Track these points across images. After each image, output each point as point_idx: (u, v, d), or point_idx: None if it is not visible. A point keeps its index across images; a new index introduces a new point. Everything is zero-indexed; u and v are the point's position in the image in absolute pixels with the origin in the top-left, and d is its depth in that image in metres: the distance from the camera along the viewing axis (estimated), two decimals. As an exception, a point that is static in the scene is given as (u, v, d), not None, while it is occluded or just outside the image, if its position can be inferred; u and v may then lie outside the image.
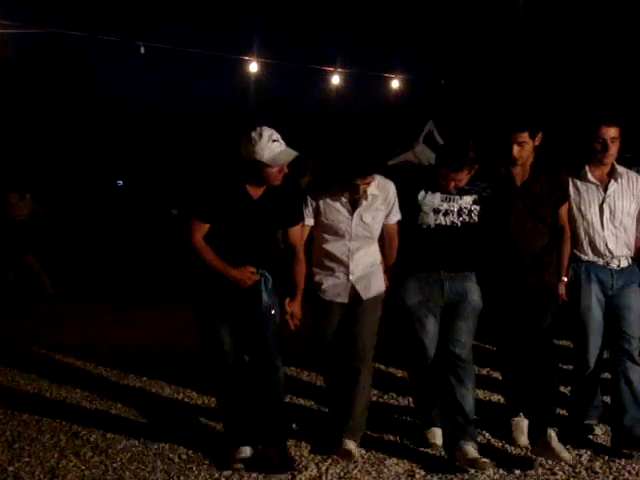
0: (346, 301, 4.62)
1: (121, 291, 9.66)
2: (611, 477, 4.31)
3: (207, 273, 4.37)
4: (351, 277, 4.59)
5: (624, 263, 4.76)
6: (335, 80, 13.05)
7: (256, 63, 12.02)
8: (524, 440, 4.67)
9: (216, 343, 4.47)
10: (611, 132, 4.62)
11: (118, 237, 13.03)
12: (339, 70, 13.21)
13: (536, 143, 4.59)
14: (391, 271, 4.74)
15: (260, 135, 4.23)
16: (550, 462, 4.47)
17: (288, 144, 4.34)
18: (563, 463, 4.44)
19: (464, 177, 4.45)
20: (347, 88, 13.74)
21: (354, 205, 4.52)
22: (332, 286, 4.61)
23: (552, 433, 4.56)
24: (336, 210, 4.53)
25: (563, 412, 4.97)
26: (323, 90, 13.95)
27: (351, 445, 4.55)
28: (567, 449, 4.53)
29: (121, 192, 14.52)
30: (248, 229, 4.36)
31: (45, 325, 7.82)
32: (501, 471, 4.38)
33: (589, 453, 4.59)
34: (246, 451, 4.46)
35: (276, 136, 4.27)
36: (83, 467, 4.49)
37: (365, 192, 4.48)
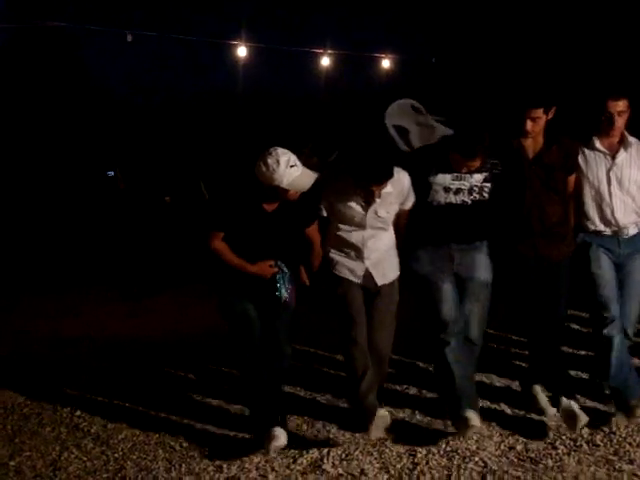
0: (359, 282, 4.58)
1: (118, 282, 9.64)
2: (612, 449, 4.32)
3: (227, 270, 4.45)
4: (366, 262, 4.58)
5: (633, 231, 4.75)
6: (325, 62, 13.00)
7: (245, 47, 11.96)
8: (552, 410, 4.67)
9: (247, 327, 4.48)
10: (618, 106, 4.59)
11: (113, 226, 12.98)
12: (329, 52, 13.15)
13: (549, 117, 4.57)
14: (401, 245, 4.72)
15: (278, 162, 4.19)
16: (551, 435, 4.49)
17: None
18: (564, 437, 4.46)
19: (477, 163, 4.44)
20: (337, 70, 13.69)
21: (368, 201, 4.49)
22: (346, 265, 4.59)
23: (538, 389, 4.73)
24: (350, 207, 4.51)
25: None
26: (313, 72, 13.87)
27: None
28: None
29: (113, 182, 14.45)
30: (264, 237, 4.42)
31: (43, 317, 7.80)
32: (502, 447, 4.40)
33: (590, 426, 4.59)
34: (279, 431, 4.39)
35: (293, 160, 4.25)
36: (85, 458, 4.49)
37: (380, 193, 4.45)
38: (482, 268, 4.65)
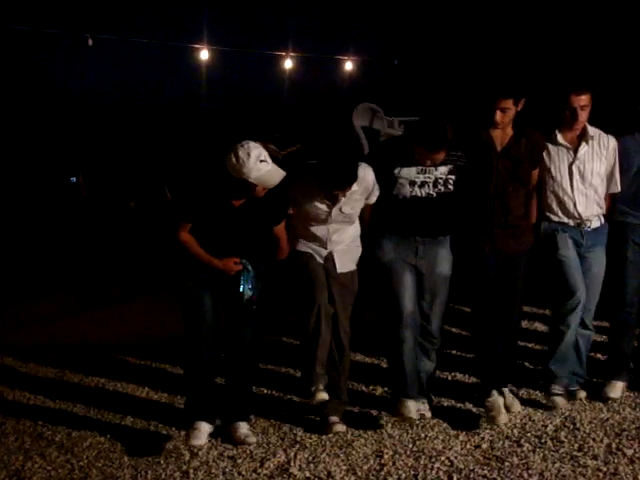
0: (320, 261, 4.63)
1: (82, 289, 9.54)
2: (576, 445, 4.36)
3: (192, 260, 4.48)
4: (329, 248, 4.65)
5: (595, 224, 4.83)
6: (288, 64, 13.00)
7: (207, 51, 11.92)
8: (504, 418, 4.66)
9: (198, 312, 4.51)
10: (581, 100, 4.65)
11: (77, 233, 12.85)
12: (291, 54, 13.16)
13: (518, 109, 4.60)
14: (365, 234, 4.78)
15: (248, 155, 4.20)
16: (516, 433, 4.53)
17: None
18: (529, 434, 4.51)
19: (441, 156, 4.46)
20: (300, 72, 13.70)
21: (332, 201, 4.53)
22: (310, 246, 4.65)
23: (506, 391, 4.77)
24: (315, 206, 4.57)
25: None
26: (277, 74, 13.87)
27: (338, 425, 4.64)
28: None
29: (76, 188, 14.28)
30: (230, 232, 4.44)
31: (4, 325, 7.69)
32: (468, 446, 4.42)
33: (554, 423, 4.65)
34: (203, 426, 4.53)
35: (264, 156, 4.26)
36: (49, 467, 4.43)
37: (345, 194, 4.49)
38: (443, 262, 4.71)
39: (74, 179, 14.66)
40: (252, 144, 4.29)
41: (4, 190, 12.97)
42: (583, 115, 4.68)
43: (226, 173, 4.29)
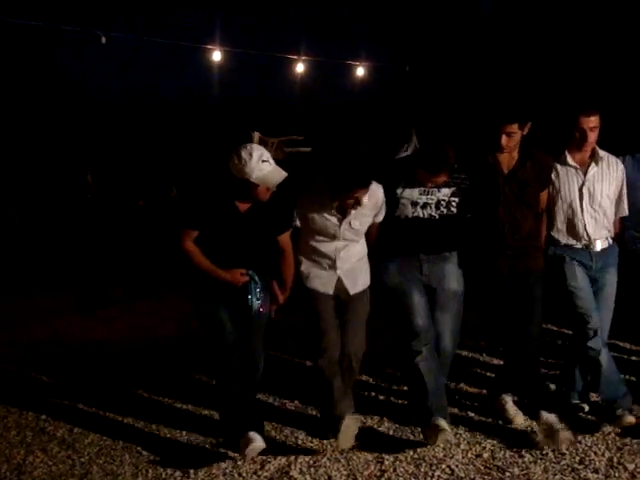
0: (331, 292, 4.59)
1: (87, 287, 9.55)
2: (577, 458, 4.35)
3: (200, 275, 4.44)
4: (338, 271, 4.59)
5: (604, 245, 4.81)
6: (299, 68, 13.00)
7: (219, 52, 11.93)
8: (520, 419, 4.76)
9: (218, 326, 4.44)
10: (590, 122, 4.65)
11: (85, 230, 12.85)
12: (303, 58, 13.17)
13: (524, 132, 4.61)
14: (372, 255, 4.76)
15: (250, 155, 4.22)
16: (518, 444, 4.52)
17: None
18: (531, 446, 4.49)
19: (442, 178, 4.49)
20: (311, 76, 13.70)
21: (343, 213, 4.50)
22: (317, 276, 4.60)
23: (507, 397, 4.84)
24: (325, 218, 4.52)
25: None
26: (287, 78, 13.88)
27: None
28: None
29: (83, 186, 14.29)
30: (236, 239, 4.41)
31: (6, 321, 7.71)
32: (469, 455, 4.41)
33: (556, 435, 4.64)
34: (255, 436, 4.39)
35: (266, 156, 4.28)
36: (50, 463, 4.45)
37: (360, 201, 4.42)
38: (452, 278, 4.69)
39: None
40: (255, 145, 4.35)
41: (11, 185, 12.97)
42: (592, 136, 4.68)
43: (230, 176, 4.29)
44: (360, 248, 4.68)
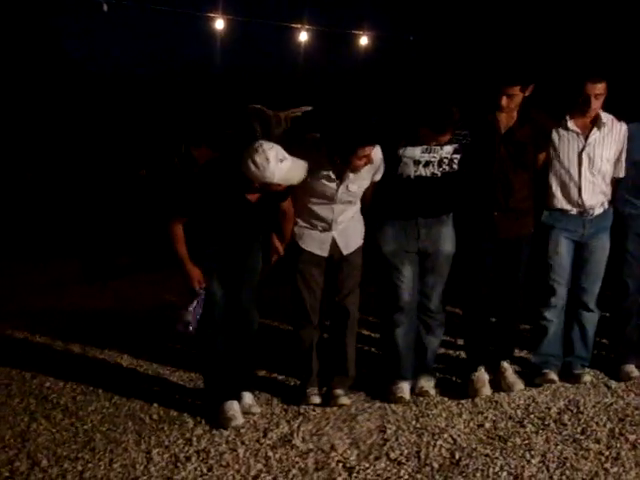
0: (326, 255, 4.61)
1: (91, 258, 9.54)
2: (579, 429, 4.37)
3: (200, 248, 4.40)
4: (334, 232, 4.61)
5: (598, 211, 4.81)
6: (302, 37, 12.88)
7: (222, 20, 11.82)
8: (487, 390, 4.78)
9: (209, 298, 4.43)
10: (596, 89, 4.59)
11: (87, 200, 12.82)
12: (306, 27, 13.05)
13: (526, 94, 4.55)
14: (367, 216, 4.76)
15: (267, 160, 4.01)
16: (519, 414, 4.54)
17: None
18: (532, 416, 4.51)
19: (447, 137, 4.43)
20: (314, 45, 13.59)
21: (340, 177, 4.44)
22: (312, 238, 4.61)
23: (506, 365, 4.87)
24: (322, 182, 4.45)
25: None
26: (290, 47, 13.77)
27: (343, 397, 4.69)
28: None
29: (87, 154, 14.21)
30: (244, 224, 4.41)
31: (11, 289, 7.72)
32: (471, 424, 4.43)
33: (558, 406, 4.65)
34: (234, 405, 4.48)
35: (282, 154, 4.09)
36: (53, 430, 4.46)
37: (370, 159, 4.37)
38: (447, 241, 4.70)
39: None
40: (266, 145, 4.10)
41: (24, 147, 12.90)
42: (597, 103, 4.63)
43: (241, 174, 4.13)
44: (355, 209, 4.68)
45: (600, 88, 4.60)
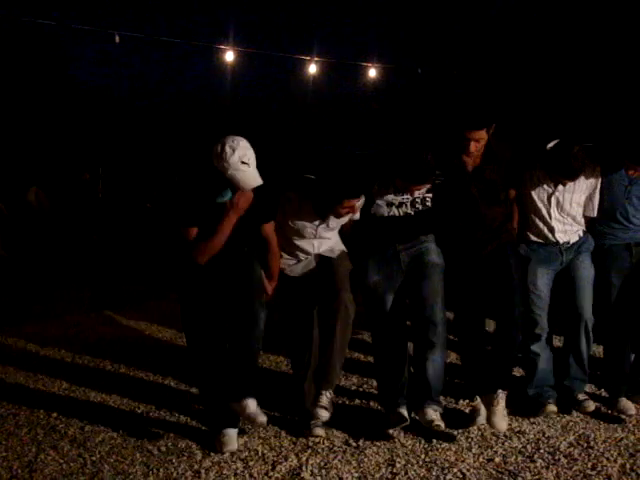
0: (312, 266, 4.81)
1: (98, 287, 9.57)
2: (590, 464, 4.34)
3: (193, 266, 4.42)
4: (313, 255, 4.81)
5: (574, 239, 4.88)
6: (312, 69, 12.99)
7: (232, 52, 11.93)
8: (482, 419, 4.78)
9: (199, 320, 4.45)
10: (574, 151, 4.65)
11: (92, 230, 12.88)
12: (316, 59, 13.15)
13: (490, 133, 4.63)
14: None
15: (233, 151, 4.19)
16: (529, 449, 4.51)
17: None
18: (542, 450, 4.48)
19: (425, 187, 4.59)
20: (323, 77, 13.69)
21: (322, 218, 4.68)
22: (297, 266, 4.81)
23: (502, 396, 4.66)
24: (304, 225, 4.71)
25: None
26: (300, 79, 13.87)
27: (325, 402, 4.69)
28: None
29: (91, 186, 14.27)
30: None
31: (22, 318, 7.73)
32: (481, 459, 4.40)
33: (568, 440, 4.62)
34: (230, 432, 4.51)
35: (247, 158, 4.23)
36: (61, 460, 4.44)
37: (355, 209, 4.59)
38: (431, 253, 4.73)
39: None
40: (243, 143, 4.26)
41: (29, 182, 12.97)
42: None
43: (212, 168, 4.27)
44: (333, 239, 4.86)
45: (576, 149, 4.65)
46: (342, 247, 4.90)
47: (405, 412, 4.65)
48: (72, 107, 16.35)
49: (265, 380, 4.83)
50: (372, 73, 13.36)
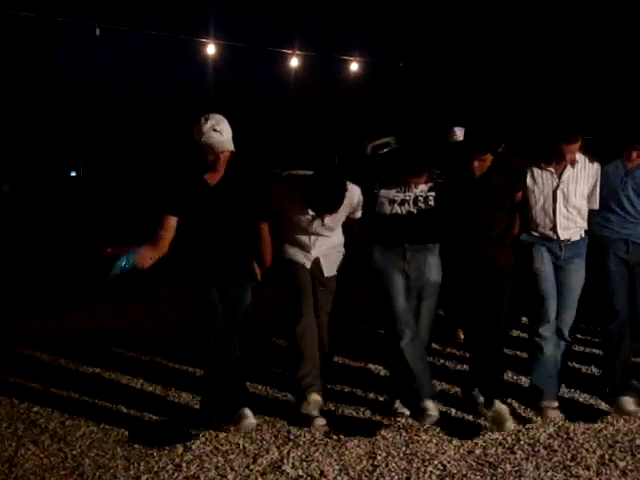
0: (308, 267, 4.76)
1: (83, 281, 9.52)
2: (569, 455, 4.37)
3: (193, 255, 4.57)
4: (313, 253, 4.78)
5: (575, 238, 4.90)
6: (293, 63, 12.98)
7: (213, 45, 11.91)
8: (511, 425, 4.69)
9: (207, 306, 4.55)
10: (571, 149, 4.70)
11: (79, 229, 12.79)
12: (297, 53, 13.14)
13: (499, 151, 4.66)
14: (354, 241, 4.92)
15: (206, 120, 4.41)
16: (509, 441, 4.53)
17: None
18: (522, 442, 4.51)
19: (422, 179, 4.60)
20: (305, 71, 13.69)
21: (312, 209, 4.64)
22: (299, 251, 4.79)
23: (501, 405, 4.69)
24: (298, 217, 4.69)
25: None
26: (282, 73, 13.86)
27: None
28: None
29: (76, 183, 14.17)
30: (211, 217, 4.50)
31: (14, 313, 7.69)
32: (461, 451, 4.42)
33: (548, 432, 4.65)
34: (247, 411, 4.53)
35: (220, 127, 4.42)
36: (42, 455, 4.42)
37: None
38: (433, 269, 4.78)
39: (74, 173, 14.57)
40: (218, 116, 4.47)
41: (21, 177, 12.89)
42: (571, 156, 4.75)
43: (196, 150, 4.43)
44: (335, 238, 4.85)
45: (575, 147, 4.70)
46: (342, 250, 4.90)
47: (430, 404, 4.53)
48: (53, 102, 16.23)
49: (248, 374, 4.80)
50: (354, 67, 13.36)
